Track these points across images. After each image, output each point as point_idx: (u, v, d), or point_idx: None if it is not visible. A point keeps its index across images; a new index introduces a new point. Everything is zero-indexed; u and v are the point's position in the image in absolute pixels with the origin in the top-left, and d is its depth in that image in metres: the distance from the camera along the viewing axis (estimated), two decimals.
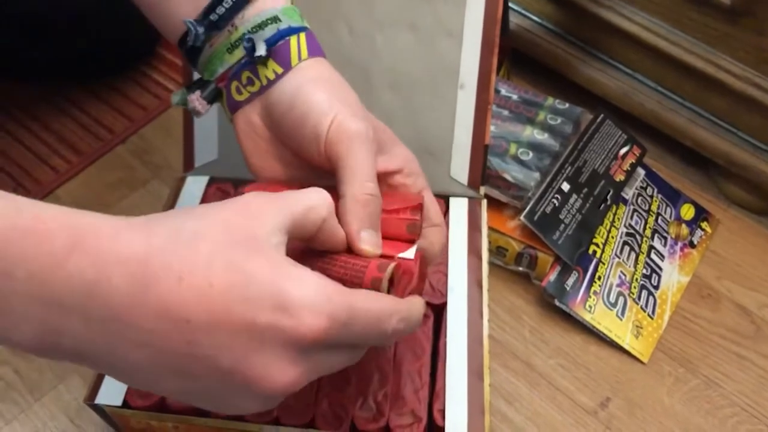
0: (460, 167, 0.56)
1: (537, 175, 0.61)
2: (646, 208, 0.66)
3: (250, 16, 0.40)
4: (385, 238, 0.38)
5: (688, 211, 0.67)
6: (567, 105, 0.67)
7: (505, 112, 0.66)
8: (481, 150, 0.55)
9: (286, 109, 0.38)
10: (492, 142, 0.63)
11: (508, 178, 0.61)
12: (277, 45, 0.39)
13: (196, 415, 0.45)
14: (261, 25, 0.39)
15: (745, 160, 0.65)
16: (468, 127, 0.55)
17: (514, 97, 0.68)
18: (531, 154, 0.63)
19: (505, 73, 0.76)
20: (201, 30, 0.40)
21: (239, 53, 0.40)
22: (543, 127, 0.65)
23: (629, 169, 0.66)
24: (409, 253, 0.37)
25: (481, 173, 0.56)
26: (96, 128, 0.77)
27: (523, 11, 0.77)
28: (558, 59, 0.74)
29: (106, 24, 0.76)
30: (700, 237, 0.66)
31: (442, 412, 0.44)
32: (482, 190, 0.56)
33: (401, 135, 0.57)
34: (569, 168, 0.63)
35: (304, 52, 0.39)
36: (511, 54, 0.77)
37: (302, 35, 0.40)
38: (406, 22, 0.55)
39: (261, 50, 0.39)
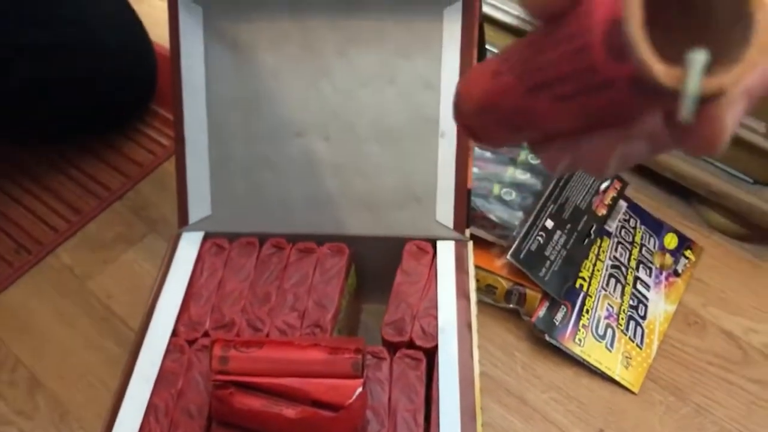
0: (445, 212, 0.58)
1: (520, 214, 0.63)
2: (630, 239, 0.68)
3: None
4: (330, 377, 0.45)
5: (671, 241, 0.69)
6: None
7: (488, 154, 0.68)
8: (464, 194, 0.58)
9: None
10: (476, 184, 0.65)
11: (493, 218, 0.63)
12: None
13: None
14: None
15: (724, 189, 0.67)
16: (450, 173, 0.58)
17: None
18: (514, 193, 0.65)
19: None
20: None
21: None
22: (525, 166, 0.67)
23: (611, 203, 0.68)
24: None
25: (466, 216, 0.58)
26: (93, 186, 0.80)
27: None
28: None
29: (100, 84, 0.79)
30: (685, 265, 0.68)
31: None
32: (467, 232, 0.58)
33: (389, 183, 0.59)
34: (552, 205, 0.65)
35: None
36: None
37: None
38: (386, 77, 0.57)
39: None
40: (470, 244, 0.58)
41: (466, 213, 0.58)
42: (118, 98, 0.82)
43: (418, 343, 0.52)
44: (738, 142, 0.64)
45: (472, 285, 0.56)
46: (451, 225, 0.58)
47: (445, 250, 0.57)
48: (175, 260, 0.58)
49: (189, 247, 0.59)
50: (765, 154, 0.63)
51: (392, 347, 0.52)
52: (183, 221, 0.61)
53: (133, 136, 0.85)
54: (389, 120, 0.58)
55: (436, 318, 0.53)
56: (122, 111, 0.85)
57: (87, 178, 0.81)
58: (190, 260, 0.58)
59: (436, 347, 0.51)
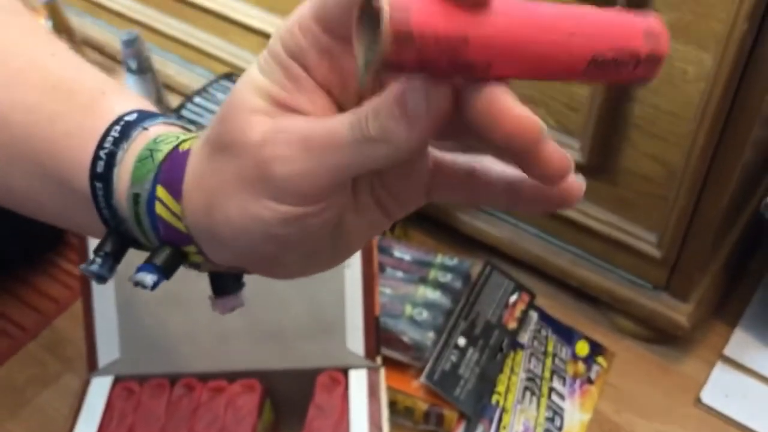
0: (355, 340, 0.59)
1: (432, 334, 0.64)
2: (543, 350, 0.70)
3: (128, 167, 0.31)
4: None
5: (583, 348, 0.71)
6: (456, 260, 0.71)
7: (399, 274, 0.70)
8: (372, 321, 0.59)
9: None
10: (388, 305, 0.66)
11: (406, 340, 0.64)
12: (164, 235, 0.30)
13: None
14: (137, 217, 0.31)
15: (627, 295, 0.70)
16: (358, 301, 0.59)
17: (407, 257, 0.72)
18: (425, 313, 0.66)
19: (403, 232, 0.80)
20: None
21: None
22: (435, 285, 0.69)
23: (520, 315, 0.70)
24: None
25: (376, 343, 0.59)
26: (5, 325, 0.78)
27: None
28: (448, 214, 0.79)
29: (9, 217, 0.78)
30: (597, 372, 0.70)
31: None
32: (379, 359, 0.59)
33: (298, 315, 0.60)
34: (463, 323, 0.66)
35: (172, 204, 0.30)
36: None
37: (160, 192, 0.30)
38: None
39: (149, 279, 0.30)
40: (382, 370, 0.59)
41: (377, 339, 0.59)
42: (29, 231, 0.81)
43: None
44: (632, 250, 0.67)
45: (385, 414, 0.56)
46: (362, 353, 0.59)
47: (358, 379, 0.58)
48: (84, 409, 0.57)
49: (98, 393, 0.58)
50: (657, 262, 0.66)
51: None
52: (92, 366, 0.60)
53: (48, 270, 0.84)
54: None
55: None
56: (35, 244, 0.84)
57: None
58: (99, 408, 0.57)
59: None
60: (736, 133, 0.56)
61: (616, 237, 0.67)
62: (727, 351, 0.71)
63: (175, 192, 0.30)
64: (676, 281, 0.67)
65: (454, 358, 0.64)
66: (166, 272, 0.30)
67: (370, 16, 0.22)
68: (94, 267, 0.31)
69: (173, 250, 0.30)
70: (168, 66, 0.96)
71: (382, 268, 0.69)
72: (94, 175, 0.31)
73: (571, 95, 0.62)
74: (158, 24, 0.94)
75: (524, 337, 0.70)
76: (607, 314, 0.74)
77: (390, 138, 0.24)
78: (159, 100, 0.88)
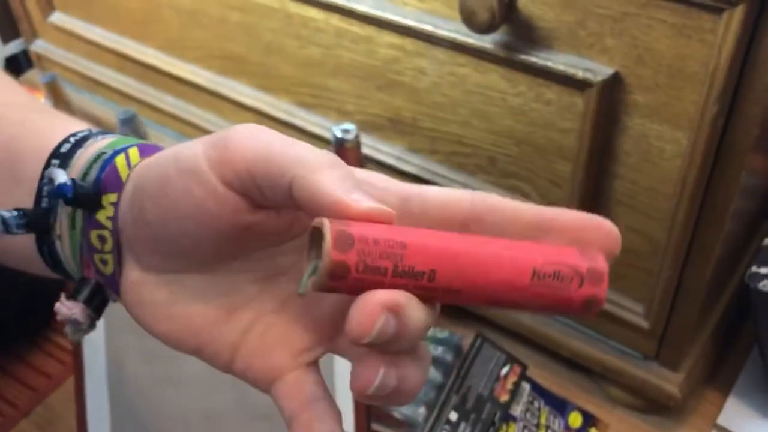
0: (345, 417, 0.59)
1: (423, 410, 0.64)
2: (536, 422, 0.70)
3: (99, 145, 0.33)
4: None
5: (575, 420, 0.71)
6: (446, 333, 0.72)
7: None
8: (362, 405, 0.59)
9: (156, 207, 0.29)
10: None
11: (397, 416, 0.64)
12: (105, 174, 0.31)
13: None
14: (86, 171, 0.32)
15: (617, 365, 0.70)
16: (347, 378, 0.59)
17: None
18: None
19: None
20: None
21: (79, 221, 0.31)
22: None
23: (512, 387, 0.70)
24: None
25: (366, 421, 0.59)
26: None
27: None
28: None
29: (2, 293, 0.78)
30: None
31: None
32: None
33: None
34: (455, 397, 0.66)
35: (135, 158, 0.31)
36: None
37: (132, 150, 0.32)
38: None
39: (61, 177, 0.30)
40: None
41: (367, 417, 0.59)
42: (23, 306, 0.82)
43: None
44: (621, 321, 0.67)
45: None
46: (352, 431, 0.59)
47: None
48: None
49: None
50: (646, 332, 0.66)
51: None
52: None
53: (41, 345, 0.84)
54: None
55: None
56: (28, 319, 0.84)
57: None
58: None
59: None
60: (716, 208, 0.57)
61: (604, 308, 0.67)
62: (721, 420, 0.71)
63: (146, 153, 0.31)
64: (666, 351, 0.68)
65: None
66: (76, 197, 0.30)
67: (317, 241, 0.24)
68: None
69: (95, 194, 0.30)
70: (164, 140, 0.98)
71: None
72: (54, 155, 0.32)
73: (554, 171, 0.63)
74: (154, 100, 0.96)
75: (517, 410, 0.70)
76: (599, 384, 0.74)
77: (333, 166, 0.25)
78: None
